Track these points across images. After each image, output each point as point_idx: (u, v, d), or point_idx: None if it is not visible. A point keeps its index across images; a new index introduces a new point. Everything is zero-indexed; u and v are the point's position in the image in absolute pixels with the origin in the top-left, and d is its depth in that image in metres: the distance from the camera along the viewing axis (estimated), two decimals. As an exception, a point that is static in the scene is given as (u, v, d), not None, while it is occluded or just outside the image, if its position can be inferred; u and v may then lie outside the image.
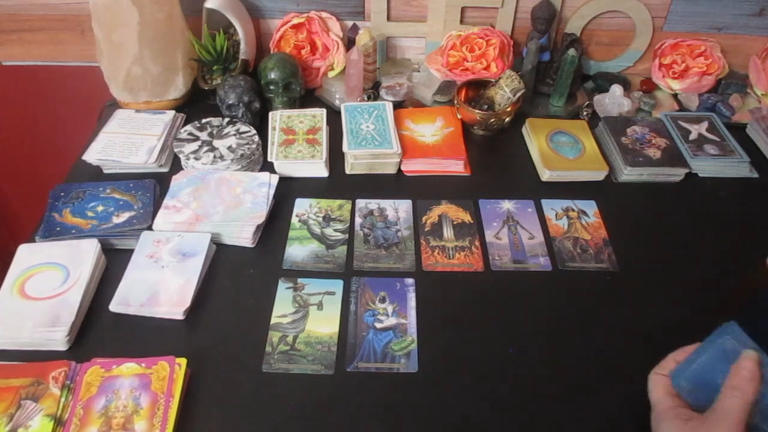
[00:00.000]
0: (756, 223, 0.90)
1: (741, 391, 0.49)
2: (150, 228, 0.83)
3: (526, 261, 0.83)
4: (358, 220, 0.88)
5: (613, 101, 1.09)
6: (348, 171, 0.97)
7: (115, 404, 0.63)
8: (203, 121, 0.99)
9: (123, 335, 0.72)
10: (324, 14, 1.14)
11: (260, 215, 0.84)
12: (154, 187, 0.90)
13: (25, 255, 0.77)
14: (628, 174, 0.95)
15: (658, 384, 0.58)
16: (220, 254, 0.82)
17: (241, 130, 0.97)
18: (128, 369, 0.66)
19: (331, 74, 1.15)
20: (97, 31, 0.98)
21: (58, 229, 0.82)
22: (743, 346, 0.53)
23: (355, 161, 0.95)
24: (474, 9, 1.13)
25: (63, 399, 0.63)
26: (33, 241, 0.81)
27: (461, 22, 1.14)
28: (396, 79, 1.13)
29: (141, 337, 0.71)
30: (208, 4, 1.05)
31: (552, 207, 0.91)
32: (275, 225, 0.87)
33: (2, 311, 0.71)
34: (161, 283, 0.75)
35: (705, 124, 1.04)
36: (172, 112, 1.03)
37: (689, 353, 0.58)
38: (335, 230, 0.86)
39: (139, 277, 0.76)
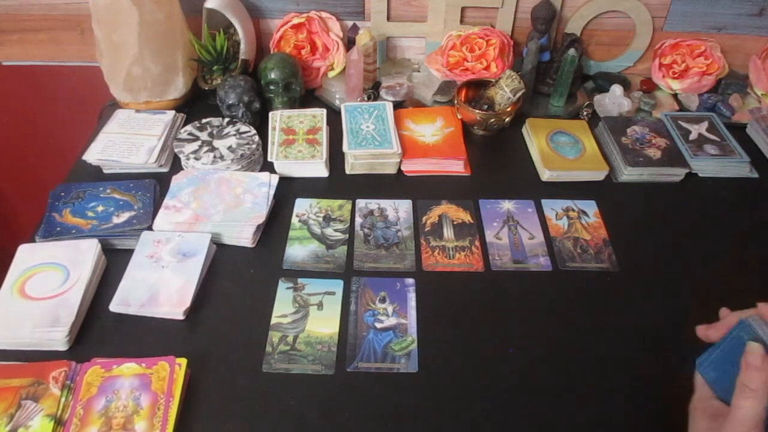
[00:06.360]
0: (756, 223, 0.90)
1: (751, 389, 0.47)
2: (150, 228, 0.83)
3: (526, 261, 0.83)
4: (358, 220, 0.88)
5: (613, 101, 1.09)
6: (348, 171, 0.97)
7: (116, 404, 0.63)
8: (203, 121, 0.99)
9: (123, 335, 0.72)
10: (324, 14, 1.14)
11: (260, 215, 0.84)
12: (154, 187, 0.90)
13: (25, 255, 0.77)
14: (628, 174, 0.95)
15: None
16: (220, 254, 0.82)
17: (241, 130, 0.97)
18: (128, 369, 0.65)
19: (331, 74, 1.15)
20: (97, 31, 0.98)
21: (58, 229, 0.82)
22: (755, 337, 0.50)
23: (355, 161, 0.95)
24: (474, 9, 1.13)
25: (63, 399, 0.63)
26: (33, 241, 0.81)
27: (461, 22, 1.15)
28: (396, 79, 1.13)
29: (141, 337, 0.71)
30: (208, 4, 1.05)
31: (552, 207, 0.91)
32: (275, 225, 0.87)
33: (2, 311, 0.71)
34: (161, 283, 0.75)
35: (705, 124, 1.04)
36: (172, 112, 1.03)
37: None
38: (335, 230, 0.86)
39: (139, 277, 0.76)
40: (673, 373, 0.61)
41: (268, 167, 0.95)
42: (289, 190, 0.92)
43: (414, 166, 0.97)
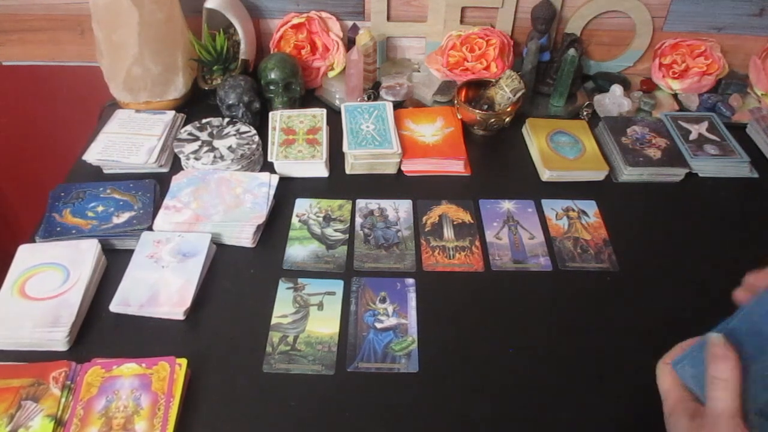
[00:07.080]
0: (756, 223, 0.90)
1: (721, 380, 0.47)
2: (150, 228, 0.83)
3: (526, 261, 0.83)
4: (358, 220, 0.88)
5: (613, 101, 1.09)
6: (348, 171, 0.97)
7: (116, 404, 0.63)
8: (203, 121, 0.99)
9: (123, 335, 0.72)
10: (324, 14, 1.14)
11: (260, 215, 0.84)
12: (154, 187, 0.90)
13: (26, 255, 0.77)
14: (628, 174, 0.95)
15: (665, 373, 0.56)
16: (221, 254, 0.82)
17: (241, 130, 0.97)
18: (128, 369, 0.66)
19: (331, 74, 1.15)
20: (97, 31, 0.98)
21: (58, 229, 0.82)
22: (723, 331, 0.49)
23: (356, 161, 0.95)
24: (474, 9, 1.13)
25: (63, 399, 0.63)
26: (33, 241, 0.81)
27: (461, 22, 1.14)
28: (396, 79, 1.13)
29: (141, 338, 0.71)
30: (208, 4, 1.05)
31: (552, 207, 0.91)
32: (275, 225, 0.87)
33: (2, 311, 0.71)
34: (161, 283, 0.75)
35: (705, 124, 1.04)
36: (172, 112, 1.03)
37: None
38: (335, 230, 0.86)
39: (140, 277, 0.76)
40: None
41: (268, 167, 0.95)
42: (289, 190, 0.92)
43: (414, 166, 0.97)
